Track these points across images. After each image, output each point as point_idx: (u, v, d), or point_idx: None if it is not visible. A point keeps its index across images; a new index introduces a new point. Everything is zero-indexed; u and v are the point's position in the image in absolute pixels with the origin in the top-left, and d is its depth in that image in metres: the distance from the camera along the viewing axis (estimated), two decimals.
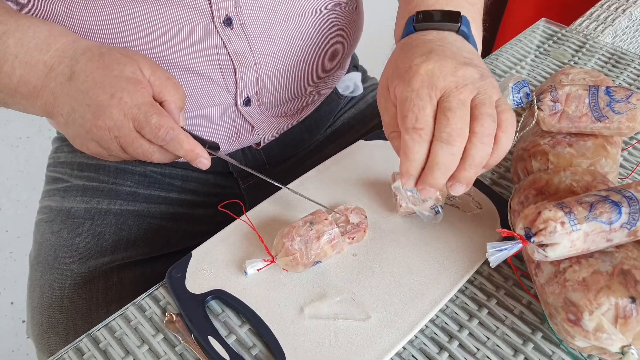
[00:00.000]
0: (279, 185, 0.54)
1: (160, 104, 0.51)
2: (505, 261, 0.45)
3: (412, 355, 0.46)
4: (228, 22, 0.58)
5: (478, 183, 0.57)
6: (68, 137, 0.52)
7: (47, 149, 0.78)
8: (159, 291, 0.50)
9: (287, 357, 0.44)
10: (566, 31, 0.82)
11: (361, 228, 0.51)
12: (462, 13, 0.50)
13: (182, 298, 0.47)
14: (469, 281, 0.50)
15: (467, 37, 0.50)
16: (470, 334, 0.47)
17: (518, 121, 0.52)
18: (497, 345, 0.46)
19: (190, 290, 0.48)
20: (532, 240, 0.41)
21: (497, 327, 0.47)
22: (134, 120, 0.48)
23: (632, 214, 0.40)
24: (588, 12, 0.87)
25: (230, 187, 0.75)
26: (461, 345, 0.46)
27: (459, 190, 0.44)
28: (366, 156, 0.60)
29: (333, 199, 0.56)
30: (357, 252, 0.51)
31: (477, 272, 0.51)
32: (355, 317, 0.46)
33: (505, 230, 0.43)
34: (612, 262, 0.41)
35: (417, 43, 0.48)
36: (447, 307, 0.49)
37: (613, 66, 0.75)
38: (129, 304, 0.49)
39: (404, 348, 0.46)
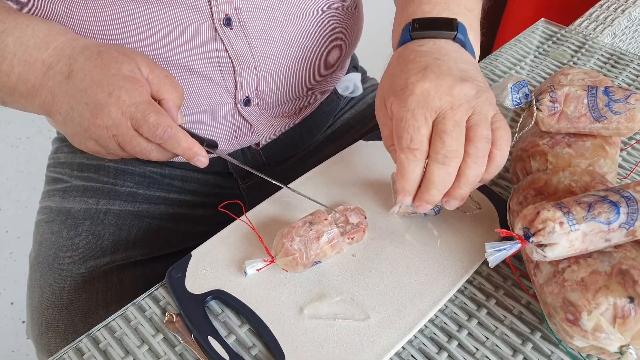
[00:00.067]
0: (279, 185, 0.54)
1: (159, 102, 0.51)
2: (504, 261, 0.46)
3: (412, 355, 0.46)
4: (227, 22, 0.58)
5: None
6: (66, 135, 0.52)
7: (47, 149, 0.78)
8: (159, 291, 0.50)
9: (287, 357, 0.44)
10: (565, 31, 0.82)
11: (361, 228, 0.51)
12: (458, 20, 0.50)
13: (182, 298, 0.47)
14: (468, 281, 0.50)
15: (464, 44, 0.50)
16: (470, 334, 0.47)
17: (517, 121, 0.52)
18: (496, 345, 0.46)
19: (190, 291, 0.48)
20: (530, 240, 0.41)
21: (496, 327, 0.47)
22: (131, 119, 0.48)
23: (630, 214, 0.40)
24: (587, 13, 0.87)
25: (230, 188, 0.75)
26: (460, 345, 0.46)
27: (453, 205, 0.47)
28: (366, 156, 0.60)
29: (333, 199, 0.56)
30: (357, 253, 0.51)
31: (476, 272, 0.51)
32: (354, 317, 0.46)
33: (504, 230, 0.43)
34: (610, 262, 0.42)
35: (413, 57, 0.48)
36: (447, 307, 0.49)
37: (612, 66, 0.75)
38: (129, 304, 0.49)
39: (403, 348, 0.46)
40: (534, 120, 0.52)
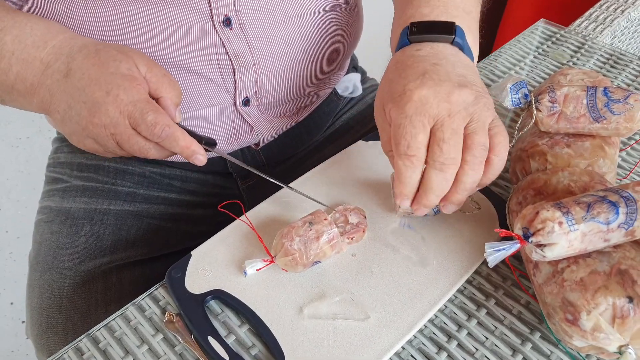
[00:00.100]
0: (279, 184, 0.54)
1: (157, 100, 0.51)
2: (503, 261, 0.46)
3: (411, 355, 0.46)
4: (227, 22, 0.58)
5: None
6: (65, 133, 0.52)
7: (47, 149, 0.78)
8: (159, 291, 0.50)
9: (287, 357, 0.44)
10: (565, 32, 0.82)
11: (360, 228, 0.51)
12: (456, 23, 0.50)
13: (181, 298, 0.47)
14: (468, 281, 0.50)
15: (462, 48, 0.50)
16: (469, 334, 0.47)
17: (516, 121, 0.52)
18: (496, 345, 0.46)
19: (189, 290, 0.48)
20: (530, 240, 0.41)
21: (496, 327, 0.47)
22: (129, 118, 0.48)
23: (629, 214, 0.40)
24: (587, 13, 0.87)
25: (230, 188, 0.75)
26: (460, 345, 0.46)
27: (451, 209, 0.48)
28: (365, 157, 0.60)
29: (332, 199, 0.56)
30: (357, 252, 0.51)
31: (476, 272, 0.51)
32: (354, 317, 0.46)
33: (504, 230, 0.43)
34: (609, 262, 0.42)
35: (411, 62, 0.48)
36: (446, 307, 0.49)
37: (611, 67, 0.75)
38: (129, 304, 0.49)
39: (403, 348, 0.46)
40: (533, 120, 0.52)
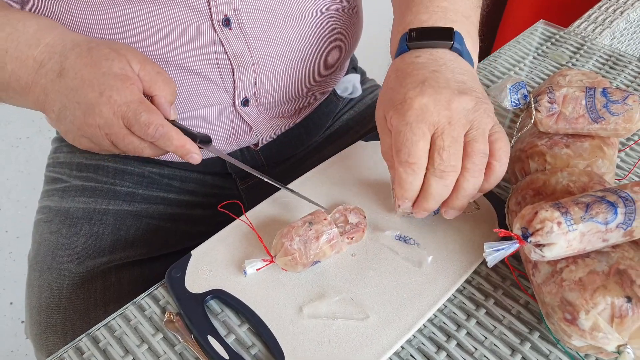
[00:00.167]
0: (277, 185, 0.55)
1: (151, 98, 0.51)
2: (502, 261, 0.46)
3: (411, 355, 0.46)
4: (226, 22, 0.58)
5: None
6: (60, 131, 0.52)
7: (47, 149, 0.78)
8: (159, 291, 0.50)
9: (286, 357, 0.44)
10: (564, 33, 0.82)
11: (360, 228, 0.51)
12: (455, 28, 0.50)
13: (181, 297, 0.47)
14: (467, 281, 0.51)
15: (461, 53, 0.50)
16: (468, 334, 0.47)
17: (516, 122, 0.52)
18: (495, 344, 0.46)
19: (189, 290, 0.48)
20: (529, 240, 0.41)
21: (495, 327, 0.47)
22: (123, 118, 0.48)
23: (627, 214, 0.41)
24: (586, 14, 0.87)
25: (229, 188, 0.75)
26: (459, 345, 0.46)
27: (452, 215, 0.49)
28: (365, 157, 0.61)
29: (332, 200, 0.56)
30: (356, 252, 0.51)
31: (475, 272, 0.51)
32: (354, 317, 0.46)
33: (503, 230, 0.43)
34: (608, 262, 0.42)
35: (411, 69, 0.48)
36: (445, 306, 0.49)
37: (611, 68, 0.76)
38: (129, 304, 0.49)
39: (402, 347, 0.46)
40: (532, 121, 0.52)
